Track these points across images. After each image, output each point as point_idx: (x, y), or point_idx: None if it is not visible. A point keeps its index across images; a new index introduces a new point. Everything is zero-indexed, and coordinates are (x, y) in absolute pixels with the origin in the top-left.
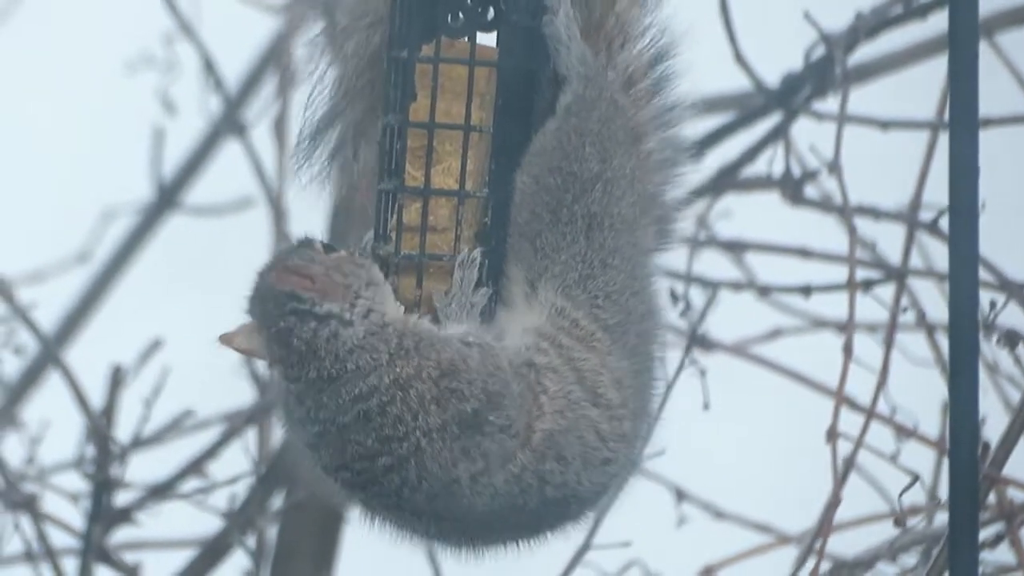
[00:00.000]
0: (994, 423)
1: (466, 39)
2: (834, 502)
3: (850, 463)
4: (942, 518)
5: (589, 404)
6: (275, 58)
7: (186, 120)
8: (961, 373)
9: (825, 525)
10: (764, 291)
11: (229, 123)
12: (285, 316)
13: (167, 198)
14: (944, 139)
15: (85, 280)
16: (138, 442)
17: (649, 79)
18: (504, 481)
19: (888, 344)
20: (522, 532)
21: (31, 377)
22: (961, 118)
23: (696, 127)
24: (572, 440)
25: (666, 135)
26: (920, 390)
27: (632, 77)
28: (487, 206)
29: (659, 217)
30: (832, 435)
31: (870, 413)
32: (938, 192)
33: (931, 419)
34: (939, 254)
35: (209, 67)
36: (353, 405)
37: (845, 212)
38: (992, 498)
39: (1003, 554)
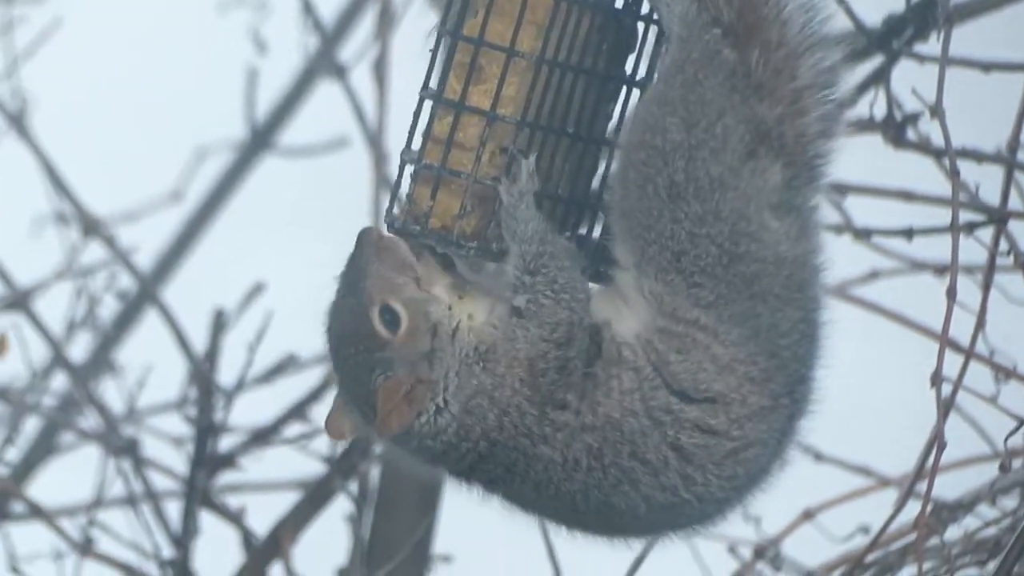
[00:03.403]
0: None
1: None
2: (938, 444)
3: (950, 405)
4: None
5: (688, 405)
6: None
7: (279, 60)
8: None
9: (931, 467)
10: (865, 234)
11: (325, 63)
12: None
13: (261, 138)
14: None
15: (179, 221)
16: (241, 385)
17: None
18: (587, 466)
19: (987, 285)
20: (654, 532)
21: (129, 320)
22: None
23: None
24: (657, 444)
25: (797, 64)
26: (1019, 332)
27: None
28: (518, 135)
29: (784, 148)
30: (936, 378)
31: (969, 354)
32: None
33: None
34: None
35: (306, 5)
36: (465, 457)
37: (947, 155)
38: None
39: None
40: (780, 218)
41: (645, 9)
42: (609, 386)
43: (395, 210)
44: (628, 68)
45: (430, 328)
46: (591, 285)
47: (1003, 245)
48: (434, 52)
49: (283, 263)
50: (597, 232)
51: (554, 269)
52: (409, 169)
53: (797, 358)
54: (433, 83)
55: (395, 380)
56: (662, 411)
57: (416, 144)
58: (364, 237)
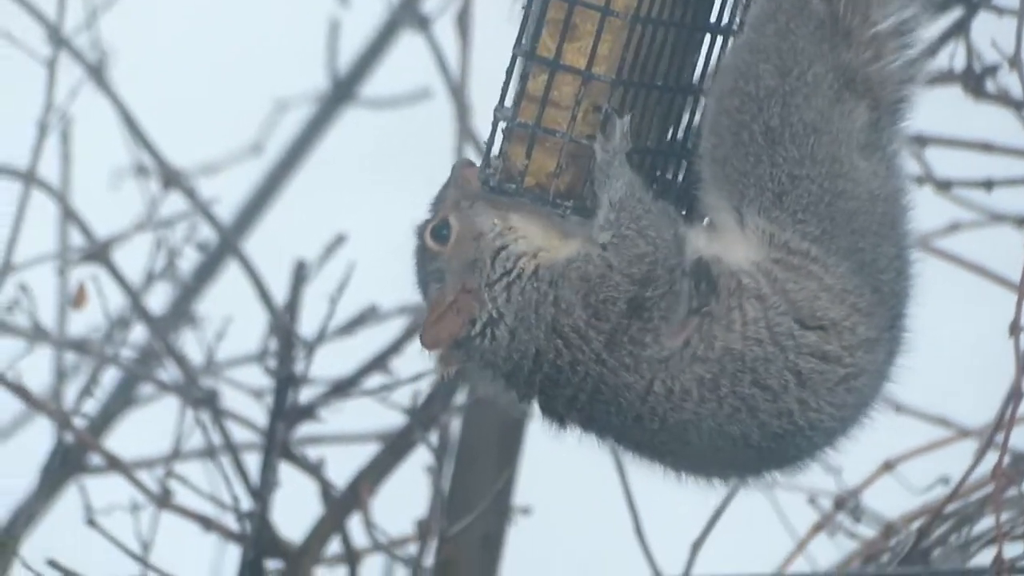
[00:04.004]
0: None
1: None
2: (1017, 395)
3: None
4: None
5: (806, 330)
6: None
7: (362, 11)
8: None
9: (1008, 418)
10: (945, 185)
11: (409, 14)
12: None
13: (343, 90)
14: None
15: (261, 172)
16: (321, 337)
17: None
18: (699, 396)
19: None
20: (761, 466)
21: (209, 271)
22: None
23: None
24: (779, 370)
25: (884, 9)
26: None
27: None
28: (612, 94)
29: (870, 90)
30: (1015, 329)
31: None
32: None
33: None
34: None
35: None
36: (533, 376)
37: None
38: None
39: None
40: (867, 158)
41: None
42: (730, 319)
43: (488, 168)
44: (713, 17)
45: (475, 237)
46: (688, 228)
47: None
48: (527, 8)
49: (364, 215)
50: (681, 178)
51: (640, 209)
52: (502, 126)
53: (895, 293)
54: (525, 40)
55: (442, 290)
56: (786, 336)
57: (508, 101)
58: (455, 166)
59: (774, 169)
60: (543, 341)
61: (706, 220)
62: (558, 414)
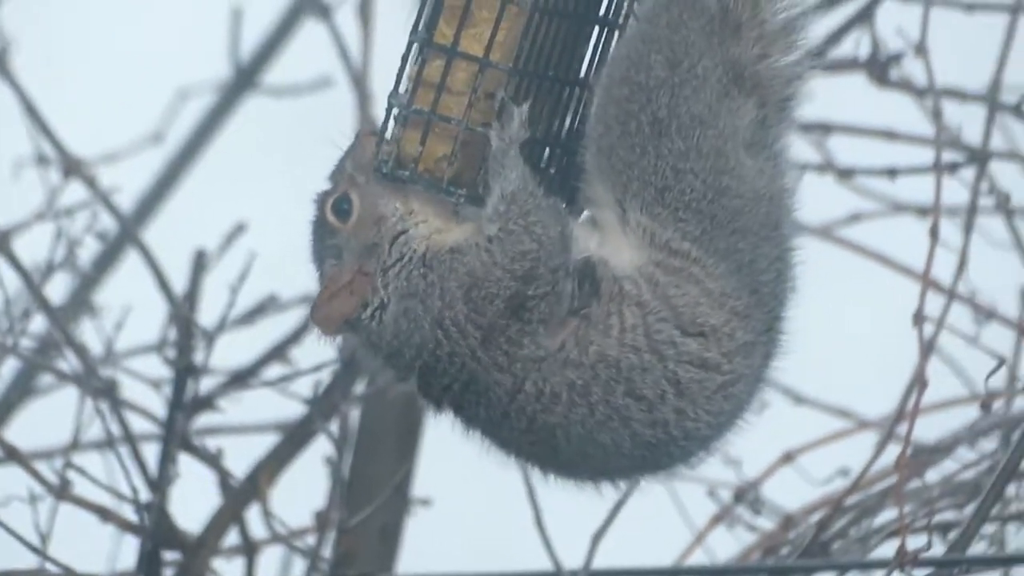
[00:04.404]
0: None
1: None
2: (920, 383)
3: (931, 345)
4: (1022, 402)
5: (687, 337)
6: None
7: (264, 0)
8: None
9: (913, 407)
10: (848, 174)
11: (310, 3)
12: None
13: (245, 78)
14: None
15: (162, 161)
16: (221, 327)
17: None
18: (569, 401)
19: (968, 226)
20: (632, 473)
21: (109, 261)
22: None
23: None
24: (656, 379)
25: (772, 6)
26: (997, 275)
27: None
28: (508, 82)
29: (757, 88)
30: (919, 318)
31: (951, 294)
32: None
33: (1009, 303)
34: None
35: None
36: (413, 362)
37: (931, 94)
38: None
39: None
40: (754, 156)
41: None
42: (607, 324)
43: (382, 154)
44: (602, 10)
45: (376, 220)
46: (575, 225)
47: (985, 186)
48: None
49: (265, 204)
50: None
51: (530, 204)
52: (396, 112)
53: (774, 295)
54: (422, 27)
55: (339, 267)
56: (666, 344)
57: (403, 87)
58: (357, 134)
59: (659, 161)
60: (426, 331)
61: (585, 215)
62: (434, 398)
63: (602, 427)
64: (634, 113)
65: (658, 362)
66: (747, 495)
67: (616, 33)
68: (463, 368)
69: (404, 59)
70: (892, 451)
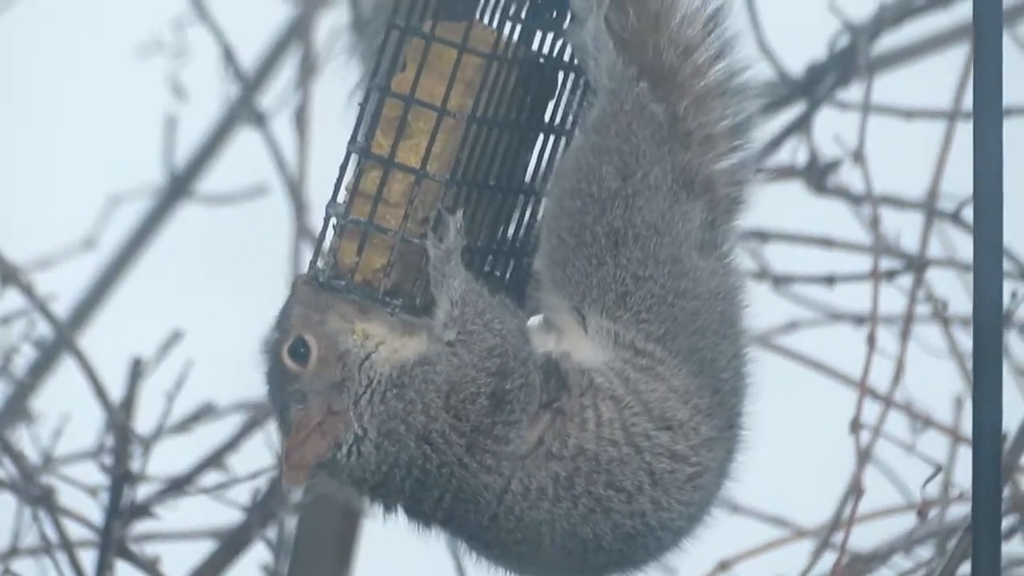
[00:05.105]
0: (1009, 415)
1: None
2: (857, 492)
3: (867, 454)
4: (957, 510)
5: (659, 431)
6: (293, 44)
7: (199, 107)
8: (984, 363)
9: (850, 514)
10: (785, 281)
11: (245, 110)
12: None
13: (179, 185)
14: (965, 128)
15: (95, 268)
16: (158, 434)
17: (705, 52)
18: (554, 495)
19: (905, 335)
20: (608, 570)
21: (45, 368)
22: (985, 107)
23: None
24: (635, 471)
25: (720, 108)
26: (933, 383)
27: (687, 51)
28: (445, 193)
29: (708, 190)
30: (856, 425)
31: (888, 401)
32: (961, 182)
33: (944, 412)
34: (962, 244)
35: (227, 52)
36: (403, 484)
37: (870, 201)
38: (1006, 491)
39: (1017, 546)
40: (705, 257)
41: (566, 58)
42: (583, 417)
43: (319, 263)
44: (547, 118)
45: (339, 356)
46: (531, 323)
47: (924, 294)
48: (363, 106)
49: (201, 311)
50: (510, 276)
51: (482, 304)
52: (334, 222)
53: (734, 392)
54: (360, 137)
55: (306, 412)
56: (642, 437)
57: (341, 197)
58: (294, 283)
59: (618, 270)
60: (413, 448)
61: (538, 318)
62: (424, 516)
63: (585, 520)
64: (588, 225)
65: (636, 454)
66: None
67: (562, 140)
68: (452, 477)
69: (342, 168)
70: (828, 559)
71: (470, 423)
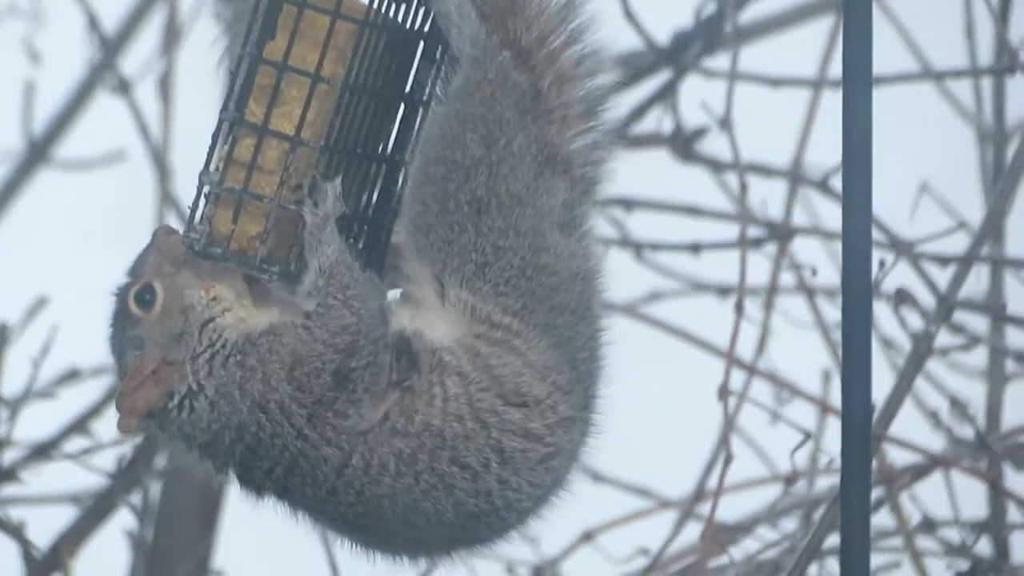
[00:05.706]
0: (876, 385)
1: None
2: (727, 458)
3: (732, 423)
4: (823, 482)
5: (509, 407)
6: (156, 9)
7: (59, 72)
8: (854, 332)
9: (718, 482)
10: (648, 248)
11: (108, 76)
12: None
13: (38, 151)
14: (831, 97)
15: None
16: (23, 399)
17: (559, 37)
18: (396, 471)
19: (768, 304)
20: (451, 545)
21: None
22: (855, 76)
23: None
24: (480, 447)
25: (575, 91)
26: (798, 354)
27: (541, 36)
28: (319, 160)
29: (568, 169)
30: (724, 393)
31: (752, 372)
32: (828, 151)
33: (808, 383)
34: (828, 213)
35: (89, 17)
36: (233, 447)
37: (736, 169)
38: (874, 463)
39: (883, 518)
40: (567, 236)
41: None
42: (431, 394)
43: (194, 232)
44: (408, 87)
45: (183, 310)
46: (391, 298)
47: (789, 263)
48: (234, 73)
49: (65, 277)
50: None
51: (348, 278)
52: (206, 190)
53: (590, 373)
54: (232, 105)
55: (142, 358)
56: (489, 412)
57: (214, 165)
58: (155, 232)
59: (479, 238)
60: (246, 414)
61: (400, 292)
62: (255, 485)
63: (427, 496)
64: (452, 192)
65: (481, 429)
66: (546, 574)
67: (422, 110)
68: (285, 449)
69: (214, 137)
70: (692, 530)
71: (313, 395)
